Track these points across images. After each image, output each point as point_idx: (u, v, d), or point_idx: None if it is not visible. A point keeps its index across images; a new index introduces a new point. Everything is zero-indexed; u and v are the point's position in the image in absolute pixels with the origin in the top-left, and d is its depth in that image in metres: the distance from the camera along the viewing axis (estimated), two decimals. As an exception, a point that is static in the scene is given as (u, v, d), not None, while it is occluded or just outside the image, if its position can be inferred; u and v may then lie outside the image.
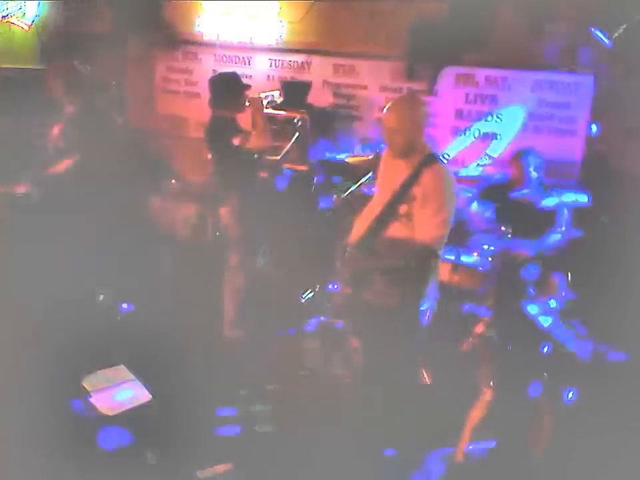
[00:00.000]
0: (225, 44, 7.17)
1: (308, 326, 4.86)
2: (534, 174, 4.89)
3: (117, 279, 4.88)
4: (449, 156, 6.28)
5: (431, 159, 3.37)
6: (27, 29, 7.60)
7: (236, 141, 4.52)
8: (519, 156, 5.08)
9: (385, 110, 3.40)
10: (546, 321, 4.46)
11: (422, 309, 3.42)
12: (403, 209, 3.32)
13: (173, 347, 4.24)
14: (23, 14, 7.54)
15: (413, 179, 3.31)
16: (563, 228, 4.65)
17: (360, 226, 3.66)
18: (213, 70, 7.32)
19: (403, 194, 3.33)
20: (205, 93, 7.35)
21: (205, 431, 3.57)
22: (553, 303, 4.54)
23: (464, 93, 6.27)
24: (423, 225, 3.25)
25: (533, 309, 4.49)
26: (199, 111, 7.43)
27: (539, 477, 3.41)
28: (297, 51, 6.87)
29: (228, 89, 4.67)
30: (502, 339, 4.41)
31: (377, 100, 6.46)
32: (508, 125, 6.13)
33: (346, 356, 4.05)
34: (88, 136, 5.10)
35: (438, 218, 3.26)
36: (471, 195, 5.07)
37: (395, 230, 3.34)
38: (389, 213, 3.41)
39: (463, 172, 6.17)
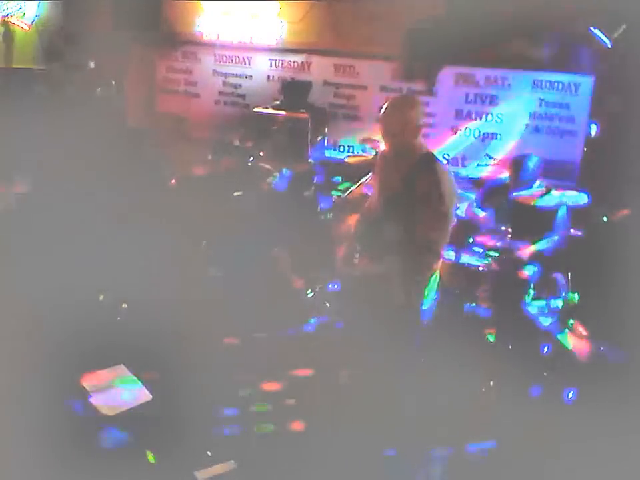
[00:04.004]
0: (225, 44, 7.18)
1: (308, 326, 4.86)
2: (534, 174, 4.89)
3: (117, 278, 4.88)
4: (449, 156, 6.29)
5: (430, 159, 3.37)
6: (27, 29, 7.61)
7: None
8: (518, 156, 5.08)
9: (381, 111, 3.41)
10: (546, 321, 4.46)
11: (422, 308, 3.42)
12: (402, 208, 3.32)
13: (173, 346, 4.24)
14: (23, 14, 7.56)
15: (412, 178, 3.31)
16: (563, 228, 4.65)
17: (360, 226, 3.66)
18: (213, 70, 7.35)
19: (402, 194, 3.33)
20: (205, 92, 7.42)
21: (205, 431, 3.57)
22: (553, 303, 4.53)
23: (464, 93, 6.28)
24: (423, 224, 3.25)
25: (533, 309, 4.48)
26: (199, 110, 7.46)
27: (538, 477, 3.41)
28: (297, 51, 6.88)
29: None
30: (502, 338, 4.41)
31: (376, 100, 6.46)
32: (508, 125, 6.13)
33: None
34: (88, 135, 5.10)
35: (438, 218, 3.26)
36: (471, 195, 5.07)
37: (395, 230, 3.34)
38: (388, 213, 3.41)
39: (463, 172, 6.18)
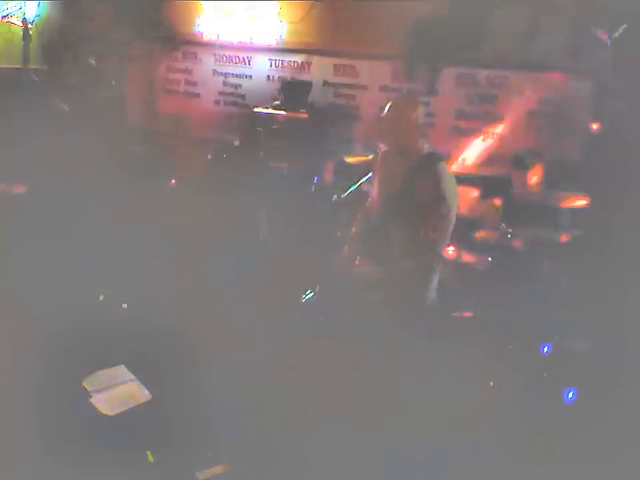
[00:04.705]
0: (225, 44, 7.18)
1: (307, 326, 4.86)
2: (534, 173, 4.89)
3: (117, 278, 4.88)
4: (449, 155, 6.28)
5: (431, 159, 3.38)
6: (27, 29, 7.60)
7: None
8: (518, 155, 5.08)
9: (382, 111, 3.42)
10: (546, 320, 4.46)
11: (423, 307, 3.43)
12: (403, 208, 3.32)
13: (173, 346, 4.23)
14: (23, 14, 7.55)
15: (413, 178, 3.31)
16: (563, 227, 4.66)
17: (360, 226, 3.67)
18: (213, 70, 7.35)
19: (403, 194, 3.34)
20: (205, 92, 7.43)
21: (205, 431, 3.57)
22: (552, 301, 4.53)
23: (464, 93, 6.28)
24: (424, 224, 3.25)
25: (532, 308, 4.48)
26: (199, 110, 7.46)
27: (538, 477, 3.41)
28: (297, 51, 6.88)
29: None
30: (502, 337, 4.41)
31: (376, 100, 6.46)
32: (507, 125, 6.13)
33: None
34: (88, 135, 5.11)
35: (439, 218, 3.26)
36: (471, 194, 5.07)
37: (396, 229, 3.34)
38: (389, 213, 3.41)
39: (464, 171, 6.17)
